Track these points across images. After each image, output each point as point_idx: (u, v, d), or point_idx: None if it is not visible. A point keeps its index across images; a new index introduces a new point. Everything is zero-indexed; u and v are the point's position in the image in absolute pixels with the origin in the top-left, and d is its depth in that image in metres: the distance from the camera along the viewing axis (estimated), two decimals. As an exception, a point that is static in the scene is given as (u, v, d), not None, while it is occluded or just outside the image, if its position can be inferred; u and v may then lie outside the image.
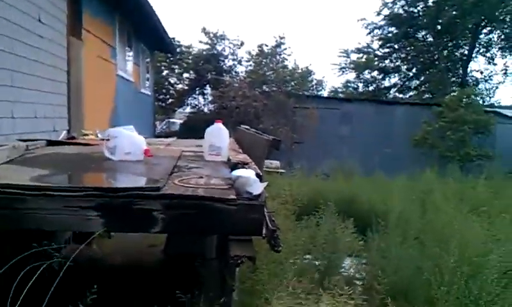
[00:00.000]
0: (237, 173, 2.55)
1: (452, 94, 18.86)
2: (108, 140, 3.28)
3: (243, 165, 3.19)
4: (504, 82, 24.86)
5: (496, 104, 23.82)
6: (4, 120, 4.27)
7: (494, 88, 24.95)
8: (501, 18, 22.43)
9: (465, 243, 4.44)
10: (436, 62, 24.29)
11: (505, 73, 24.15)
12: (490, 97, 24.70)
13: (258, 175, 2.64)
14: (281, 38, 19.96)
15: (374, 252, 5.18)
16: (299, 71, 19.20)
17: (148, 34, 12.94)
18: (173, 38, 17.73)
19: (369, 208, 7.34)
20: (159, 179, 2.42)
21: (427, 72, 25.20)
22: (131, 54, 12.21)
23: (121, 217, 2.12)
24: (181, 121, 21.50)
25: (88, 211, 2.08)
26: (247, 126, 6.48)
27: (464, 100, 16.02)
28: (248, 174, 2.52)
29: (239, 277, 3.29)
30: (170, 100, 22.53)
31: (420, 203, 7.07)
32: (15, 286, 2.09)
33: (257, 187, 2.32)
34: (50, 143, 4.26)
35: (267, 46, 19.92)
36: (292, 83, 18.53)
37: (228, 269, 2.81)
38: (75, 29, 6.92)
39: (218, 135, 3.74)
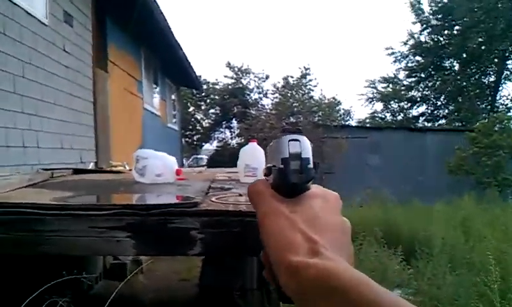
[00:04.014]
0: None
1: (484, 120, 18.37)
2: (138, 161, 3.05)
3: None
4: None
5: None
6: (29, 149, 4.09)
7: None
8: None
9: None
10: (465, 90, 23.83)
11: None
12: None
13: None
14: (307, 68, 19.89)
15: (424, 282, 4.79)
16: (326, 101, 18.98)
17: (174, 70, 12.92)
18: (199, 76, 17.76)
19: (410, 235, 6.96)
20: (194, 196, 2.15)
21: (456, 100, 24.72)
22: (157, 89, 12.17)
23: (154, 237, 1.82)
24: (207, 157, 21.40)
25: (116, 232, 1.78)
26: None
27: (497, 125, 15.53)
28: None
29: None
30: (196, 136, 22.48)
31: (462, 230, 6.68)
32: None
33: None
34: (77, 172, 4.04)
35: (292, 77, 19.83)
36: (320, 113, 18.30)
37: (271, 301, 2.52)
38: (100, 60, 6.83)
39: (253, 155, 3.45)
